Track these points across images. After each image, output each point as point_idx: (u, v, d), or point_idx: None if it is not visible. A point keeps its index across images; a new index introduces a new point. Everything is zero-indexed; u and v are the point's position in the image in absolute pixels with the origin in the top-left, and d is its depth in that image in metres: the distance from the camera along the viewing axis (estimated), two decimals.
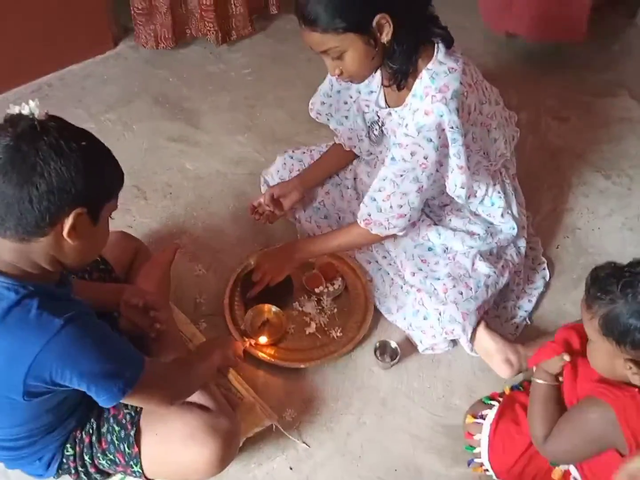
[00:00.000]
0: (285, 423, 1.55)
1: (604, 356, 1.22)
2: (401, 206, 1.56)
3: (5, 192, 0.98)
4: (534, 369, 1.37)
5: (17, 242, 1.03)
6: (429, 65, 1.45)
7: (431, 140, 1.46)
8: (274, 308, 1.72)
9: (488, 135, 1.62)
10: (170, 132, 2.25)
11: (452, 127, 1.45)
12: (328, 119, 1.83)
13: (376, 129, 1.72)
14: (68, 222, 1.02)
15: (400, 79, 1.48)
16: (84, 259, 1.14)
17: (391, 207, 1.56)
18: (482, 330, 1.64)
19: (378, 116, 1.69)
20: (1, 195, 0.98)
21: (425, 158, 1.49)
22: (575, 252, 1.98)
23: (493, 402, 1.51)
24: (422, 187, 1.53)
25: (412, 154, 1.48)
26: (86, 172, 1.00)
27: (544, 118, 2.39)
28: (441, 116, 1.44)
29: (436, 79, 1.44)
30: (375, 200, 1.58)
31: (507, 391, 1.54)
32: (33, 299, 1.03)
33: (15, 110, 0.99)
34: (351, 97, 1.76)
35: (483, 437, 1.45)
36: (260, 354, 1.65)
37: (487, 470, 1.45)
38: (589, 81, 2.55)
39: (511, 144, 1.76)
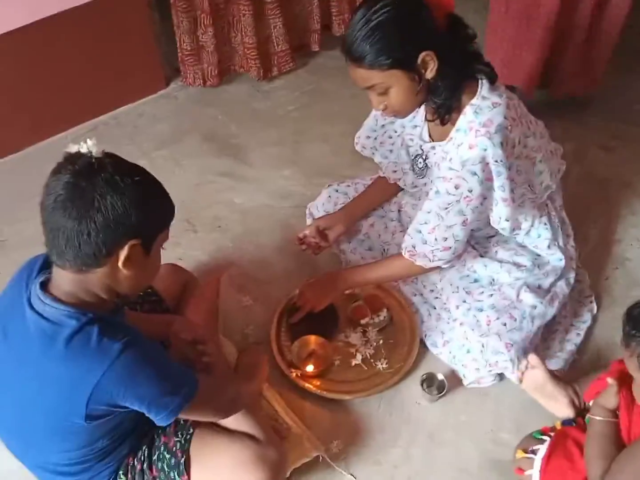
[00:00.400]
0: (332, 454, 1.55)
1: None
2: (446, 239, 1.56)
3: (65, 225, 1.03)
4: (590, 404, 1.34)
5: (76, 273, 1.09)
6: (473, 101, 1.47)
7: (475, 174, 1.47)
8: (320, 339, 1.73)
9: (533, 168, 1.62)
10: (218, 168, 2.32)
11: (496, 161, 1.46)
12: (373, 153, 1.86)
13: (420, 162, 1.73)
14: (123, 253, 1.07)
15: (444, 113, 1.50)
16: (137, 287, 1.20)
17: (436, 239, 1.57)
18: (541, 370, 1.59)
19: (422, 150, 1.71)
20: (62, 229, 1.04)
21: (470, 191, 1.50)
22: (625, 284, 1.94)
23: (544, 437, 1.48)
24: (467, 220, 1.54)
25: (457, 187, 1.49)
26: (140, 205, 1.06)
27: (590, 148, 2.37)
28: (485, 150, 1.45)
29: (480, 114, 1.45)
30: (420, 232, 1.59)
31: (559, 426, 1.51)
32: (93, 326, 1.08)
33: (73, 148, 1.05)
34: (395, 132, 1.79)
35: (534, 473, 1.42)
36: (307, 385, 1.66)
37: None
38: (633, 110, 2.53)
39: (557, 176, 1.75)
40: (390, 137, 1.81)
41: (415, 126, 1.71)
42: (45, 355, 1.08)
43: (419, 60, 1.40)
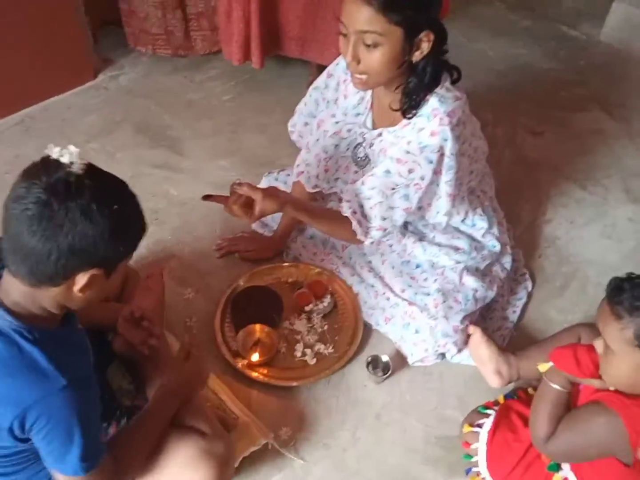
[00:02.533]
0: (281, 441, 1.54)
1: (628, 367, 1.19)
2: (384, 219, 1.56)
3: (27, 242, 0.96)
4: (539, 369, 1.36)
5: (27, 286, 1.02)
6: (437, 90, 1.47)
7: (431, 162, 1.47)
8: (265, 328, 1.72)
9: (469, 167, 1.65)
10: (153, 159, 2.26)
11: (451, 154, 1.47)
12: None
13: (361, 152, 1.70)
14: (82, 281, 1.01)
15: (416, 102, 1.46)
16: (91, 304, 1.12)
17: (374, 216, 1.55)
18: (478, 337, 1.65)
19: (364, 138, 1.68)
20: (22, 243, 0.97)
21: (422, 179, 1.49)
22: (557, 261, 2.02)
23: (489, 411, 1.52)
24: (410, 208, 1.54)
25: (410, 171, 1.49)
26: (112, 237, 0.98)
27: (519, 133, 2.45)
28: (445, 140, 1.45)
29: (445, 103, 1.45)
30: (361, 206, 1.56)
31: (502, 400, 1.56)
32: (38, 346, 1.02)
33: (54, 152, 0.96)
34: (334, 117, 1.73)
35: (480, 446, 1.46)
36: (254, 374, 1.65)
37: (484, 478, 1.46)
38: (560, 96, 2.64)
39: (481, 176, 1.79)
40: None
41: (358, 114, 1.68)
42: None
43: (420, 35, 1.37)
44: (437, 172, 1.51)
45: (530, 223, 2.13)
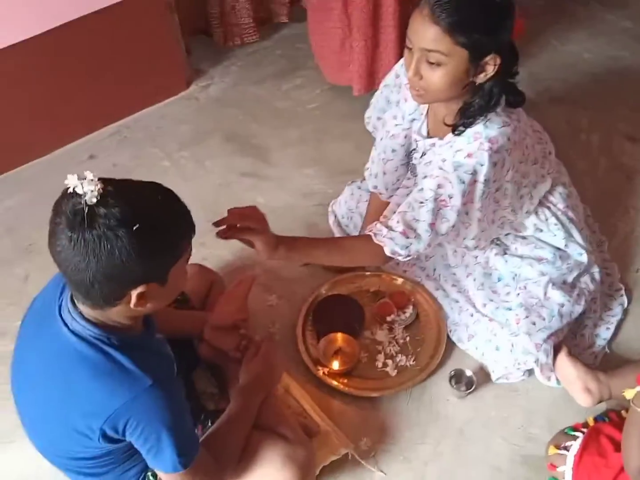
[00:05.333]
0: (361, 452, 1.54)
1: None
2: (410, 227, 1.44)
3: (70, 275, 1.01)
4: (625, 396, 1.31)
5: (92, 309, 1.07)
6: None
7: (463, 182, 1.41)
8: (346, 336, 1.73)
9: (518, 192, 1.58)
10: (241, 168, 2.32)
11: (485, 180, 1.42)
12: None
13: (414, 159, 1.67)
14: (133, 299, 1.03)
15: (471, 121, 1.43)
16: (163, 307, 1.16)
17: (398, 222, 1.45)
18: (563, 357, 1.60)
19: (417, 145, 1.64)
20: (68, 276, 1.02)
21: (450, 197, 1.43)
22: None
23: (577, 434, 1.46)
24: (434, 224, 1.45)
25: (439, 186, 1.43)
26: (143, 255, 0.99)
27: (616, 139, 2.33)
28: (481, 165, 1.41)
29: (489, 128, 1.41)
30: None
31: (591, 422, 1.49)
32: (120, 351, 1.07)
33: (72, 181, 0.97)
34: (395, 119, 1.69)
35: (567, 469, 1.41)
36: (334, 383, 1.66)
37: None
38: None
39: (548, 187, 1.71)
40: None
41: (414, 119, 1.63)
42: (73, 368, 1.07)
43: (486, 58, 1.34)
44: (468, 202, 1.45)
45: (627, 235, 2.02)
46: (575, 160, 2.21)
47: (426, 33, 1.32)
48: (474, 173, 1.41)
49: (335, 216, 2.03)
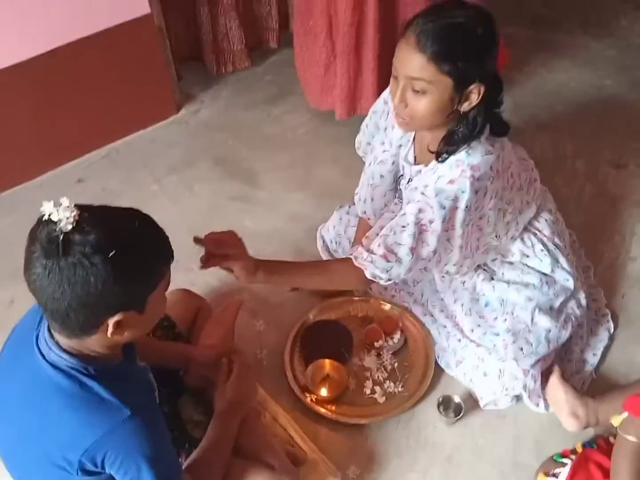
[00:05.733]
0: None
1: None
2: (391, 251, 1.45)
3: (45, 304, 0.99)
4: (613, 423, 1.31)
5: (69, 339, 1.05)
6: None
7: (443, 208, 1.42)
8: (334, 363, 1.72)
9: (503, 219, 1.59)
10: (230, 192, 2.33)
11: (466, 207, 1.42)
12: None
13: (402, 184, 1.68)
14: (110, 328, 1.02)
15: (454, 149, 1.44)
16: (142, 335, 1.14)
17: (379, 245, 1.46)
18: (555, 380, 1.60)
19: (403, 171, 1.66)
20: (44, 304, 1.00)
21: (430, 222, 1.43)
22: None
23: (565, 460, 1.46)
24: (415, 248, 1.45)
25: (420, 210, 1.44)
26: (120, 282, 0.97)
27: (601, 166, 2.37)
28: (463, 192, 1.41)
29: (471, 156, 1.42)
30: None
31: (579, 448, 1.49)
32: (97, 380, 1.04)
33: (47, 208, 0.95)
34: (383, 145, 1.71)
35: None
36: (322, 410, 1.65)
37: None
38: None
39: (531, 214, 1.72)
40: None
41: (401, 146, 1.65)
42: (49, 400, 1.05)
43: (471, 87, 1.35)
44: (449, 228, 1.45)
45: (612, 261, 2.04)
46: (560, 186, 2.24)
47: (412, 61, 1.34)
48: (455, 199, 1.42)
49: (324, 241, 2.04)
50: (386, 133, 1.69)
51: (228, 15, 2.62)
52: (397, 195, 1.75)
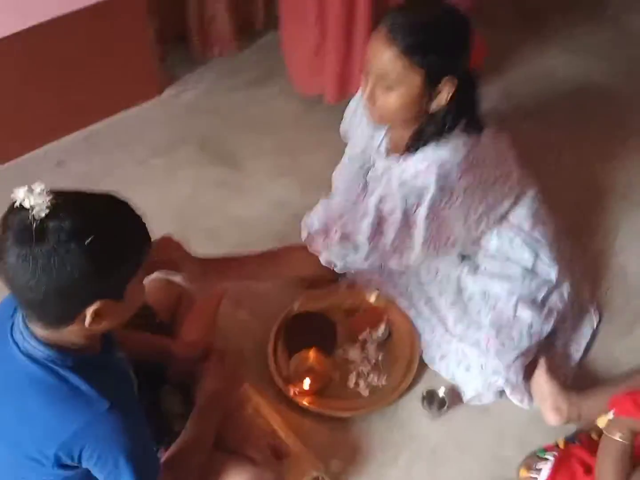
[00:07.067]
0: (331, 474, 1.52)
1: None
2: (347, 238, 1.46)
3: (20, 294, 0.97)
4: (598, 424, 1.31)
5: (45, 329, 1.02)
6: None
7: (405, 201, 1.41)
8: (318, 355, 1.70)
9: (474, 214, 1.57)
10: (214, 177, 2.28)
11: (430, 203, 1.41)
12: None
13: (369, 176, 1.66)
14: (87, 318, 0.99)
15: (423, 143, 1.43)
16: (121, 324, 1.11)
17: (336, 231, 1.46)
18: (542, 372, 1.60)
19: (373, 163, 1.64)
20: (18, 294, 0.97)
21: (390, 213, 1.42)
22: (626, 296, 1.93)
23: (548, 455, 1.46)
24: (372, 237, 1.44)
25: (382, 200, 1.44)
26: (97, 270, 0.94)
27: (587, 157, 2.35)
28: (427, 188, 1.40)
29: (440, 151, 1.41)
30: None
31: (562, 444, 1.50)
32: (74, 372, 1.02)
33: (20, 194, 0.91)
34: (357, 131, 1.71)
35: None
36: (305, 403, 1.63)
37: None
38: (634, 119, 2.52)
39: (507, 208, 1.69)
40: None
41: (373, 137, 1.63)
42: (24, 392, 1.02)
43: (442, 81, 1.34)
44: (410, 223, 1.44)
45: (596, 255, 2.03)
46: (545, 178, 2.22)
47: (383, 55, 1.34)
48: (419, 195, 1.41)
49: (309, 231, 2.01)
50: (361, 121, 1.68)
51: None
52: (362, 186, 1.72)
